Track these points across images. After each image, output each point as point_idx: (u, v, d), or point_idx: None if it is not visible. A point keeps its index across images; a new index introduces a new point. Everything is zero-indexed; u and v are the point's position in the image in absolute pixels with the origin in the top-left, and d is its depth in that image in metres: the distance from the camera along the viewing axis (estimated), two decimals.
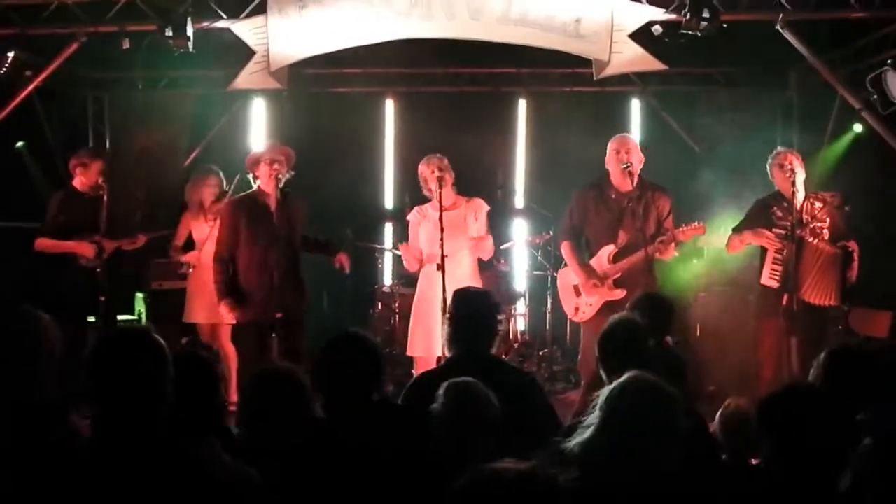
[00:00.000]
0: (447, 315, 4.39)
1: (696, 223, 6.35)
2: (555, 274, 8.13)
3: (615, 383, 2.94)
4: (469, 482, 2.28)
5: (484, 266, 7.16)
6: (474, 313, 4.29)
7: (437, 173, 6.60)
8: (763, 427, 3.06)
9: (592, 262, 6.63)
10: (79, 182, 7.36)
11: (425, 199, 6.92)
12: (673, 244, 6.35)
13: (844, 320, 6.50)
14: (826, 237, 6.35)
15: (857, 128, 8.00)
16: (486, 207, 6.90)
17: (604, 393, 2.93)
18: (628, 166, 6.42)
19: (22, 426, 2.92)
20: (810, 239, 6.28)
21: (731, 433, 4.03)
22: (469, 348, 4.22)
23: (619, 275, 6.48)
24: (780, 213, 6.43)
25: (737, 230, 6.65)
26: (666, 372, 3.10)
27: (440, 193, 6.51)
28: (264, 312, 6.31)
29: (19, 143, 8.63)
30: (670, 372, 4.34)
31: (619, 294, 6.41)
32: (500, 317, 4.48)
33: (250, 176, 6.53)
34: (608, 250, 6.53)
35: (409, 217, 7.09)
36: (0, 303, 4.01)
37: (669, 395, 2.91)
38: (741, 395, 4.33)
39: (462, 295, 4.49)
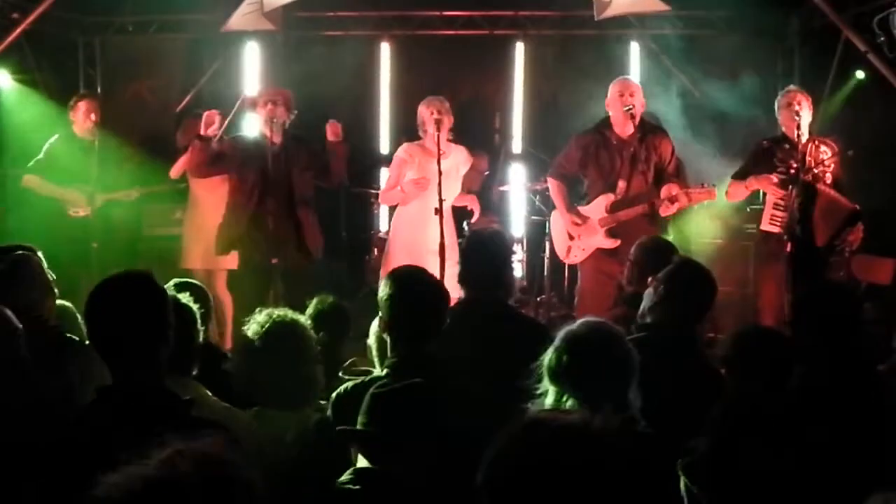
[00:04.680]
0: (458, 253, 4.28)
1: (705, 185, 6.27)
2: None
3: (550, 350, 2.85)
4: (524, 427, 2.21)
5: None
6: (486, 253, 4.15)
7: (435, 115, 6.46)
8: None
9: (589, 208, 6.52)
10: (77, 127, 7.30)
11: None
12: (678, 205, 6.25)
13: (847, 266, 6.43)
14: (829, 182, 6.23)
15: (860, 74, 7.88)
16: (469, 159, 6.83)
17: (545, 361, 2.85)
18: (630, 108, 6.28)
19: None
20: (816, 184, 6.14)
21: None
22: (480, 290, 4.08)
23: (613, 224, 6.39)
24: (780, 156, 6.30)
25: (737, 176, 6.50)
26: None
27: (438, 136, 6.38)
28: (259, 258, 6.25)
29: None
30: None
31: (613, 243, 6.35)
32: (513, 259, 4.38)
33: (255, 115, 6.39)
34: (606, 199, 6.43)
35: (398, 153, 6.81)
36: None
37: (612, 335, 2.87)
38: None
39: (475, 234, 4.44)
